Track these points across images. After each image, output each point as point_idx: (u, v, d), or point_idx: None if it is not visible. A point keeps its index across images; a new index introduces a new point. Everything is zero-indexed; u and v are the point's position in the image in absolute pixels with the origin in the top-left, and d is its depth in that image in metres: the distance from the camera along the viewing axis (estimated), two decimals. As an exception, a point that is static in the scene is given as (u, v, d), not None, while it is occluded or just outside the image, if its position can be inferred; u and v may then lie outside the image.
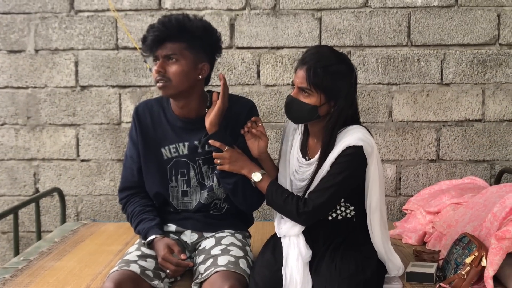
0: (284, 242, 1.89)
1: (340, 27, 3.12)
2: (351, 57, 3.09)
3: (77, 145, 3.25)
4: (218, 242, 1.98)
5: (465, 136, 3.16)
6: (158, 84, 1.89)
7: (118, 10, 3.15)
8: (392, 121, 3.16)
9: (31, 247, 2.52)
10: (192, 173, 2.01)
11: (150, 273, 1.84)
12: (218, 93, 1.94)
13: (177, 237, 2.05)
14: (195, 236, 2.05)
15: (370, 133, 1.88)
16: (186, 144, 1.99)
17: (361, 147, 1.79)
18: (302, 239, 1.87)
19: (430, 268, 1.99)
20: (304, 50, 1.93)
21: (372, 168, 1.82)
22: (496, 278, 1.88)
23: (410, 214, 2.73)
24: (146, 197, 2.07)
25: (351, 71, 1.87)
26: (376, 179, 1.84)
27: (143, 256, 1.90)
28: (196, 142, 1.98)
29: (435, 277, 1.96)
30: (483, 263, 1.85)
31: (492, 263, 1.84)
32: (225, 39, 3.09)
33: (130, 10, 3.16)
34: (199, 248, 2.03)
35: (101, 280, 2.00)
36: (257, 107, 2.07)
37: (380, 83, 3.14)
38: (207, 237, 2.05)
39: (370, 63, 3.13)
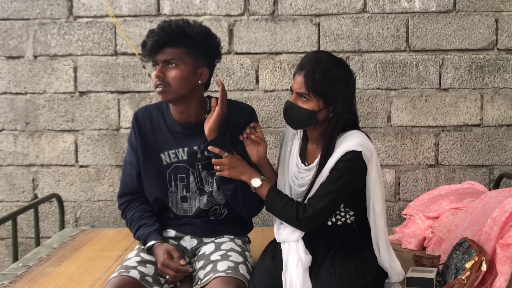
0: (283, 247, 1.89)
1: (338, 32, 3.12)
2: (350, 63, 3.10)
3: (76, 150, 3.25)
4: (217, 248, 1.97)
5: (464, 141, 3.16)
6: (157, 89, 1.89)
7: (116, 16, 3.15)
8: (391, 126, 3.17)
9: (29, 253, 2.52)
10: (191, 178, 2.01)
11: (149, 279, 1.83)
12: (217, 98, 1.93)
13: (176, 243, 2.04)
14: (194, 242, 2.05)
15: (369, 138, 1.87)
16: (186, 149, 1.99)
17: (360, 152, 1.78)
18: (301, 245, 1.86)
19: (430, 273, 1.98)
20: (303, 55, 1.94)
21: (373, 173, 1.82)
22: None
23: (409, 219, 2.73)
24: (146, 203, 2.06)
25: (350, 76, 1.87)
26: (377, 184, 1.83)
27: (143, 262, 1.89)
28: (195, 148, 1.98)
29: (435, 282, 1.95)
30: (483, 267, 1.84)
31: (502, 273, 1.82)
32: (224, 45, 3.09)
33: (128, 16, 3.17)
34: (199, 254, 2.02)
35: (100, 286, 2.00)
36: (256, 113, 2.07)
37: (378, 88, 3.15)
38: (206, 243, 2.04)
39: (368, 68, 3.13)
